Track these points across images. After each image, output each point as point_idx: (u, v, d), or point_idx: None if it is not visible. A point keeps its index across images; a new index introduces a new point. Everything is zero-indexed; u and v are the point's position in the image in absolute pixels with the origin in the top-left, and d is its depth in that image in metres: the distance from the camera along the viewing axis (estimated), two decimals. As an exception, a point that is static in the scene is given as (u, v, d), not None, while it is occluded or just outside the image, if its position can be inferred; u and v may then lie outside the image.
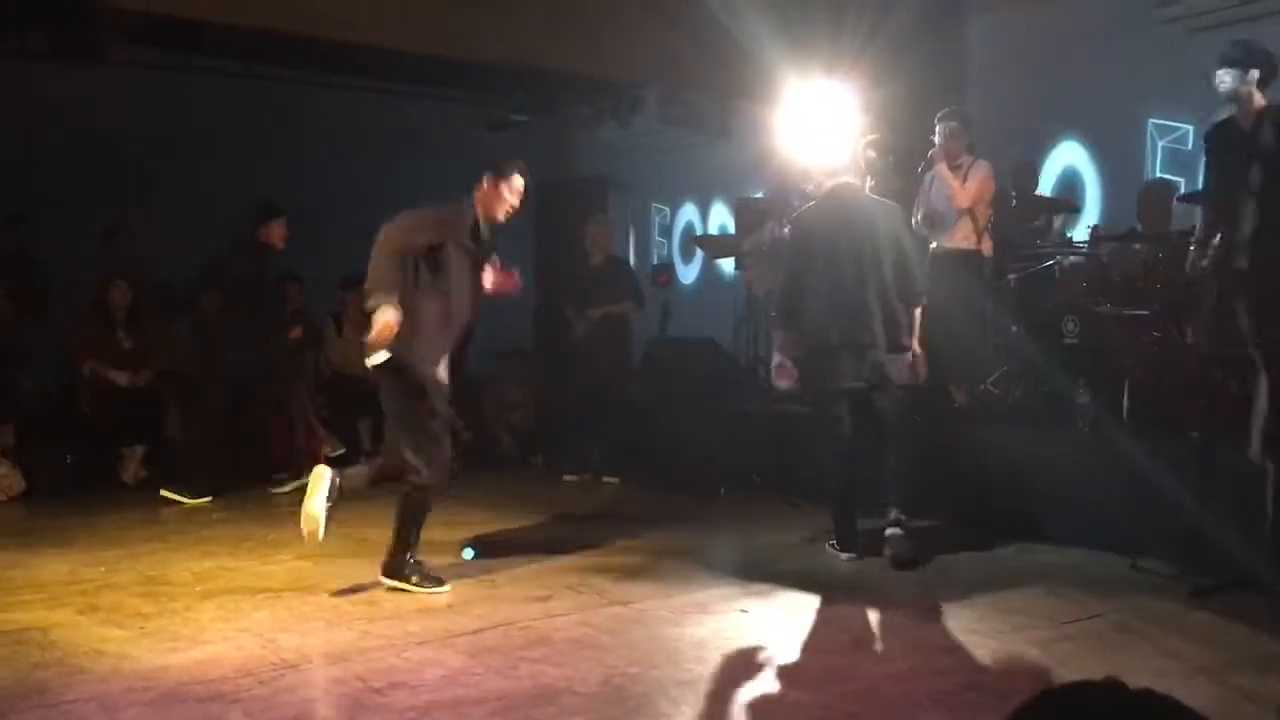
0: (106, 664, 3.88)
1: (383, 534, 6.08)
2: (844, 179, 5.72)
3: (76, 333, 8.18)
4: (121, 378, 7.95)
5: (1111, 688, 1.12)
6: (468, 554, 5.57)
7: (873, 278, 5.47)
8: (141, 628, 4.34)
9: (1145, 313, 6.16)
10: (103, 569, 5.31)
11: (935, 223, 6.99)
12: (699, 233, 11.25)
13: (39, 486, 7.30)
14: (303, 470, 8.12)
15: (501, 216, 5.07)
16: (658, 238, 11.88)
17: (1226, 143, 5.03)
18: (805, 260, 5.62)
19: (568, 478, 8.03)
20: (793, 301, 5.63)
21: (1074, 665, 3.84)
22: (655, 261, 11.48)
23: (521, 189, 5.06)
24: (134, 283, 8.21)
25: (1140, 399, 5.88)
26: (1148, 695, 1.11)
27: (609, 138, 10.80)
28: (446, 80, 9.66)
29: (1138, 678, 1.20)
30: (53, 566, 5.36)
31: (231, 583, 5.08)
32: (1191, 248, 5.30)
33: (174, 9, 6.84)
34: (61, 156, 8.73)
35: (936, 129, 6.91)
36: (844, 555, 5.52)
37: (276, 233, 7.45)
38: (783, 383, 5.78)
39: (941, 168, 6.85)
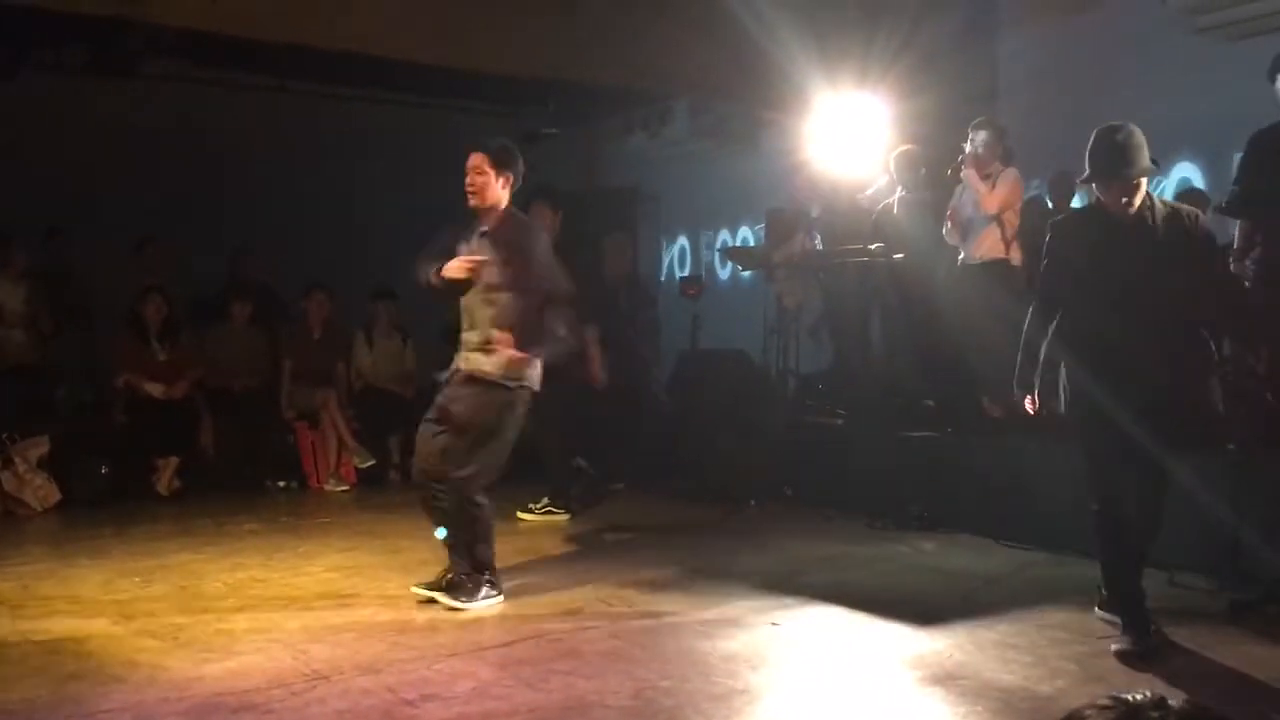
0: (141, 674, 3.90)
1: (413, 545, 6.12)
2: None
3: (112, 346, 8.24)
4: (156, 390, 8.00)
5: (1157, 704, 1.09)
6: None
7: None
8: (175, 638, 4.36)
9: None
10: (137, 580, 5.35)
11: (964, 231, 6.94)
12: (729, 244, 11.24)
13: (74, 497, 7.36)
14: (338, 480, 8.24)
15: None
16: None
17: (1276, 147, 4.97)
18: None
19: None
20: None
21: (1111, 681, 3.79)
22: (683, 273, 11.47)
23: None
24: (167, 295, 8.28)
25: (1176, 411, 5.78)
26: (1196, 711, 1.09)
27: (637, 149, 10.81)
28: (478, 94, 9.71)
29: (1174, 695, 1.18)
30: (87, 577, 5.40)
31: (264, 594, 5.09)
32: (1230, 261, 5.23)
33: (209, 25, 6.93)
34: (98, 170, 8.83)
35: (969, 137, 6.87)
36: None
37: None
38: None
39: (971, 174, 6.80)
